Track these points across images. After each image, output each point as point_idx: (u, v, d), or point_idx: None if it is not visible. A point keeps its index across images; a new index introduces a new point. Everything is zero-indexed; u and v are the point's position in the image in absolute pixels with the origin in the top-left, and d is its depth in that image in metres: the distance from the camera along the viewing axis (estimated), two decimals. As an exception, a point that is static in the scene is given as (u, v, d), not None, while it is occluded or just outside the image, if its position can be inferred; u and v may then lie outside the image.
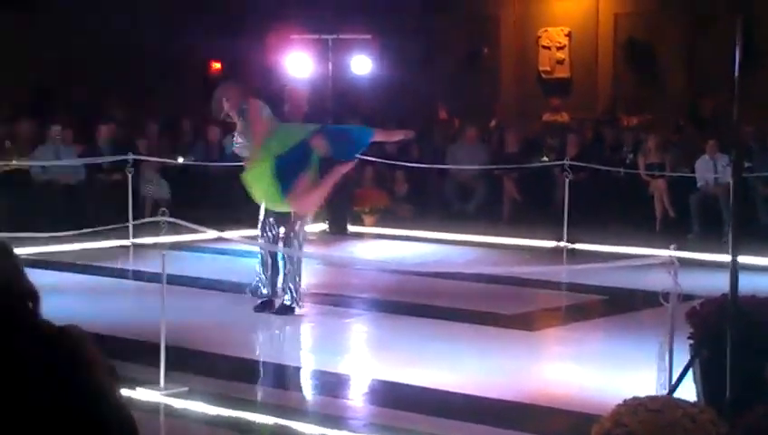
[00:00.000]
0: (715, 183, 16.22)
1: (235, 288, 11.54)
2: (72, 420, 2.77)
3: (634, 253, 13.14)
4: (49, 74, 20.57)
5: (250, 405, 7.38)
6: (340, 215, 16.59)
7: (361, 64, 18.41)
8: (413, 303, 11.15)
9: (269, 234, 10.48)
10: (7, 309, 2.94)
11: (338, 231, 16.49)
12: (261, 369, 8.87)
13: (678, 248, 6.86)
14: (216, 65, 23.38)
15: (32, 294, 2.96)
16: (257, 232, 10.66)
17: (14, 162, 16.48)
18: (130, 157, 15.23)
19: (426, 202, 18.64)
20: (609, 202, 17.28)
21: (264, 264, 10.53)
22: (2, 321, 2.90)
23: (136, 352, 8.08)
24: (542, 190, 17.69)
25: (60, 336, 2.91)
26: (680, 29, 21.03)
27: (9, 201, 15.76)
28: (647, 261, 8.05)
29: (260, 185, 10.15)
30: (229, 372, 8.36)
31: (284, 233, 10.49)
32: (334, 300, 11.03)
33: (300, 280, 10.54)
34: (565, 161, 15.80)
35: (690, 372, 6.41)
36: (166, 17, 20.86)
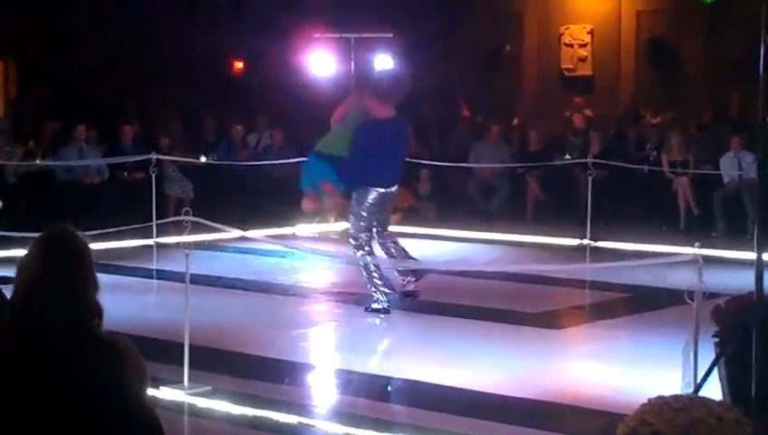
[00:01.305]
0: (739, 180, 16.15)
1: (257, 287, 11.56)
2: (107, 418, 3.03)
3: (658, 251, 13.09)
4: (73, 74, 20.64)
5: (274, 404, 7.38)
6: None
7: (383, 63, 18.40)
8: (436, 301, 11.14)
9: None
10: (78, 325, 3.32)
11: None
12: (284, 368, 8.87)
13: (703, 246, 6.83)
14: (239, 64, 23.41)
15: (99, 312, 3.26)
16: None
17: (38, 162, 16.55)
18: (154, 156, 15.27)
19: (449, 201, 18.62)
20: (632, 200, 17.24)
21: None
22: (73, 335, 3.28)
23: (160, 352, 8.08)
24: (565, 188, 17.65)
25: (111, 347, 3.30)
26: (703, 26, 20.94)
27: (33, 201, 15.85)
28: (671, 259, 8.01)
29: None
30: (253, 372, 8.37)
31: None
32: (357, 299, 11.03)
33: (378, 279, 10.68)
34: (588, 159, 15.75)
35: (715, 371, 6.38)
36: (189, 16, 20.91)
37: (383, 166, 10.64)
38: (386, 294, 10.57)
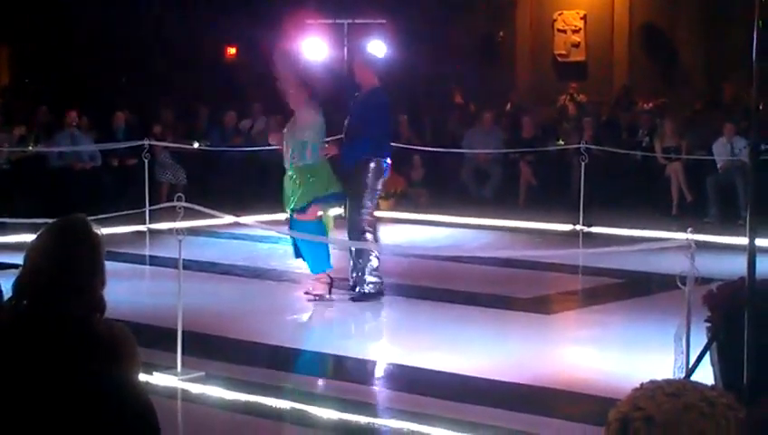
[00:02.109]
0: (732, 165, 16.17)
1: (251, 273, 11.55)
2: (102, 405, 3.01)
3: (651, 236, 13.12)
4: (65, 60, 20.60)
5: (267, 390, 7.39)
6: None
7: (377, 49, 18.38)
8: (429, 287, 11.16)
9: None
10: (81, 319, 3.38)
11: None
12: (278, 354, 8.87)
13: (695, 231, 6.85)
14: (232, 50, 23.38)
15: (102, 308, 3.28)
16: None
17: (30, 148, 16.53)
18: (146, 142, 15.25)
19: (442, 187, 18.63)
20: (625, 185, 17.25)
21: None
22: (72, 326, 3.33)
23: (153, 338, 8.08)
24: (558, 174, 17.68)
25: (107, 335, 3.36)
26: (696, 11, 20.94)
27: (26, 187, 15.85)
28: (663, 244, 8.03)
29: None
30: (246, 357, 8.38)
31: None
32: (350, 284, 11.03)
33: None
34: (581, 145, 15.76)
35: (707, 356, 6.40)
36: (181, 2, 20.87)
37: (388, 135, 10.72)
38: (378, 279, 10.54)
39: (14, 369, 3.18)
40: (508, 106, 21.31)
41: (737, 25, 19.61)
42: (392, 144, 10.97)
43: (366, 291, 10.53)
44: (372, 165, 10.40)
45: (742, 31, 19.76)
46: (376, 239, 10.75)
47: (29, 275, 3.43)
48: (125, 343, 3.41)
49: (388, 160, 10.59)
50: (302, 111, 10.40)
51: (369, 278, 10.50)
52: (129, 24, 20.47)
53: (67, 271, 3.41)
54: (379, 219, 11.08)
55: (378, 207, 17.11)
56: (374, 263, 10.48)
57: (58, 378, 3.08)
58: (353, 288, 10.61)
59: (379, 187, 10.61)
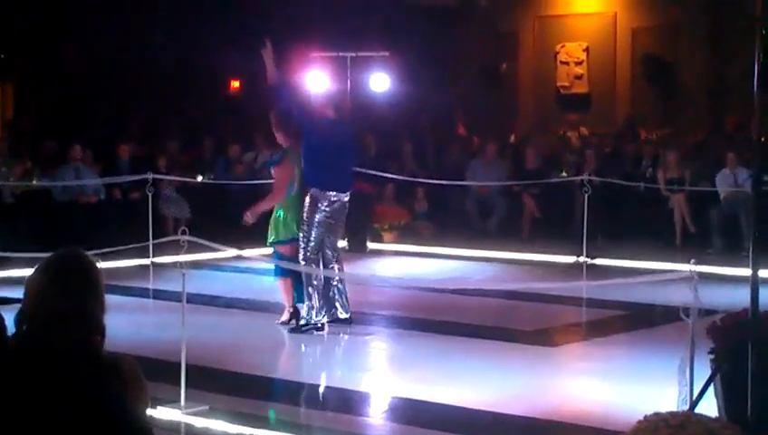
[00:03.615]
0: (735, 196, 16.17)
1: (254, 306, 11.55)
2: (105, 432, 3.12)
3: (654, 268, 13.11)
4: (71, 94, 20.67)
5: (270, 423, 7.38)
6: (359, 232, 16.59)
7: (380, 81, 18.46)
8: (433, 319, 11.15)
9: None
10: (83, 346, 3.40)
11: (357, 248, 16.50)
12: (281, 387, 8.86)
13: (698, 263, 6.84)
14: (235, 83, 23.44)
15: (102, 331, 3.29)
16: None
17: (35, 182, 16.56)
18: (150, 176, 15.26)
19: (446, 219, 18.64)
20: (628, 217, 17.26)
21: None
22: (78, 356, 3.36)
23: (156, 371, 8.07)
24: (561, 206, 17.67)
25: (114, 367, 3.39)
26: (698, 43, 21.00)
27: (31, 221, 15.85)
28: (667, 276, 8.02)
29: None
30: (249, 391, 8.36)
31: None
32: (354, 317, 11.02)
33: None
34: (584, 176, 15.76)
35: (711, 388, 6.38)
36: (185, 35, 20.94)
37: (332, 168, 10.45)
38: (319, 311, 10.47)
39: (23, 399, 3.20)
40: (511, 138, 21.34)
41: (740, 54, 19.70)
42: (341, 176, 10.63)
43: (303, 324, 10.52)
44: (308, 198, 10.45)
45: (743, 61, 19.87)
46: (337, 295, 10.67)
47: (29, 309, 3.48)
48: (131, 372, 3.45)
49: (331, 193, 10.46)
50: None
51: (309, 310, 10.46)
52: (134, 58, 20.55)
53: (65, 300, 3.45)
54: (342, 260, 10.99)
55: (380, 239, 17.23)
56: (316, 294, 10.45)
57: (64, 405, 3.11)
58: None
59: (317, 221, 10.42)
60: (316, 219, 10.40)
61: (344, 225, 11.17)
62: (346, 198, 10.59)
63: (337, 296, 10.61)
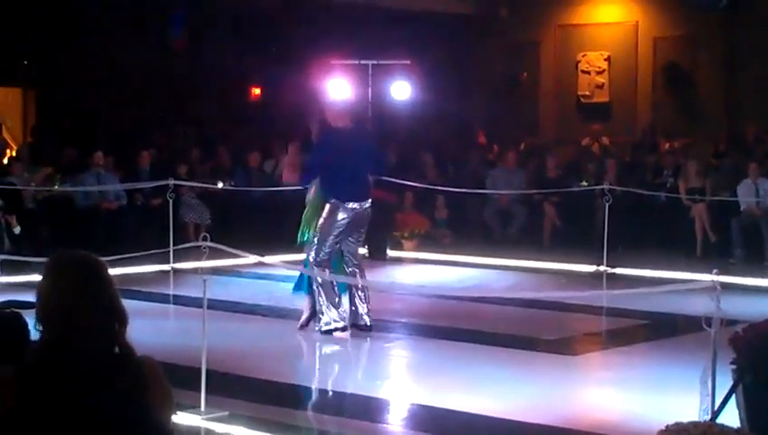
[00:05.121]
0: (757, 207, 16.12)
1: (275, 313, 11.56)
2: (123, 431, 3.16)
3: (675, 277, 13.07)
4: (92, 101, 20.73)
5: (290, 430, 7.39)
6: (380, 240, 16.59)
7: (401, 89, 18.48)
8: (453, 327, 11.15)
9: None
10: (105, 331, 3.42)
11: (377, 256, 16.49)
12: (301, 393, 8.87)
13: (720, 273, 6.82)
14: (256, 91, 23.49)
15: (123, 319, 3.28)
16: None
17: (57, 188, 16.63)
18: (171, 182, 15.30)
19: (466, 227, 18.63)
20: (649, 227, 17.22)
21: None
22: (99, 358, 3.38)
23: (177, 377, 8.03)
24: (582, 215, 17.64)
25: (136, 364, 3.45)
26: (719, 53, 20.94)
27: (52, 227, 15.93)
28: (689, 286, 8.01)
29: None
30: (270, 397, 8.37)
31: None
32: (374, 324, 11.02)
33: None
34: (605, 185, 15.73)
35: (733, 398, 6.36)
36: (206, 44, 21.00)
37: (348, 178, 10.45)
38: (337, 315, 10.50)
39: (46, 404, 3.21)
40: (529, 146, 21.33)
41: (761, 64, 19.65)
42: (359, 185, 10.65)
43: (323, 328, 10.52)
44: (326, 209, 10.48)
45: (765, 70, 19.86)
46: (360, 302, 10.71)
47: (44, 311, 3.48)
48: (154, 376, 3.45)
49: (349, 204, 10.47)
50: None
51: (326, 314, 10.49)
52: (155, 66, 20.61)
53: (86, 298, 3.44)
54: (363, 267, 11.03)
55: (400, 247, 17.23)
56: (331, 298, 10.48)
57: (86, 409, 3.11)
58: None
59: (335, 231, 10.42)
60: (333, 228, 10.43)
61: (365, 233, 11.15)
62: (367, 205, 10.61)
63: (359, 304, 10.62)
